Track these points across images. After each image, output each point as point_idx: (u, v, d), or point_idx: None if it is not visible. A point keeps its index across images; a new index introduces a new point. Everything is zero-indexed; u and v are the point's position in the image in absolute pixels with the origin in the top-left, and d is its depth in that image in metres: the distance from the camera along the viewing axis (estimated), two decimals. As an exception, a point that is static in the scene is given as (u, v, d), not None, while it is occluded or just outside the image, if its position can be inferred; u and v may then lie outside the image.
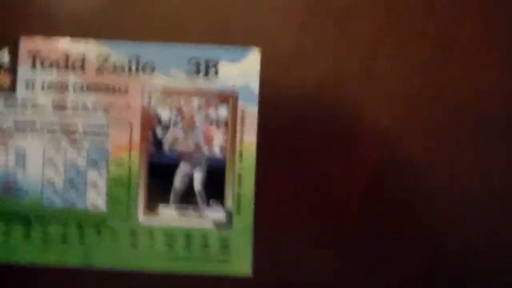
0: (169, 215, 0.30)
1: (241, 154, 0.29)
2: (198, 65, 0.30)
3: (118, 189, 0.30)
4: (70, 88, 0.30)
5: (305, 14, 0.30)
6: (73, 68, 0.30)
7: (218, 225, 0.30)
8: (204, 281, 0.30)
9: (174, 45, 0.30)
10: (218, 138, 0.30)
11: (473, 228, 0.30)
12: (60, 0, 0.31)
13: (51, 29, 0.31)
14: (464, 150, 0.30)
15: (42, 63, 0.30)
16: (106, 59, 0.30)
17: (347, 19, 0.30)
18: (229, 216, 0.30)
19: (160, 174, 0.30)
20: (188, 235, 0.30)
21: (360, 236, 0.30)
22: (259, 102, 0.29)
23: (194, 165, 0.30)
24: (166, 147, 0.30)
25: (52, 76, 0.30)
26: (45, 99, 0.30)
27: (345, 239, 0.30)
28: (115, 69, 0.30)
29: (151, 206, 0.30)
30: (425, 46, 0.30)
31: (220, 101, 0.30)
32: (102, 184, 0.30)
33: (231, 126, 0.30)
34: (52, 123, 0.30)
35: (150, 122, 0.30)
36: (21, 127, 0.30)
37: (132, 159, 0.30)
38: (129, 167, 0.30)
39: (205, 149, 0.30)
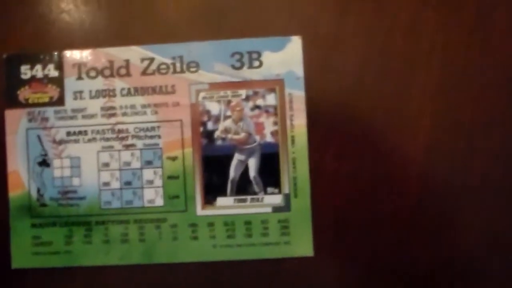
0: (227, 205, 0.31)
1: (293, 138, 0.31)
2: (241, 58, 0.31)
3: (174, 185, 0.31)
4: (118, 94, 0.31)
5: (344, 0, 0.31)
6: (119, 74, 0.31)
7: (276, 209, 0.31)
8: (266, 264, 0.31)
9: (215, 42, 0.31)
10: (269, 125, 0.31)
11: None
12: (98, 12, 0.32)
13: (93, 41, 0.32)
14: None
15: (87, 73, 0.31)
16: (150, 63, 0.31)
17: (386, 2, 0.31)
18: (287, 199, 0.31)
19: (214, 167, 0.31)
20: (247, 222, 0.31)
21: (420, 213, 0.31)
22: (305, 86, 0.30)
23: (248, 154, 0.31)
24: (218, 139, 0.31)
25: (98, 84, 0.31)
26: (94, 107, 0.31)
27: (403, 216, 0.31)
28: (160, 70, 0.31)
29: (208, 198, 0.31)
30: (467, 23, 0.31)
31: (267, 90, 0.31)
32: (158, 182, 0.31)
33: (281, 112, 0.31)
34: (103, 129, 0.31)
35: (200, 117, 0.31)
36: (74, 137, 0.31)
37: (185, 155, 0.31)
38: (184, 163, 0.31)
39: (257, 137, 0.31)
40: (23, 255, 0.31)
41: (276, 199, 0.31)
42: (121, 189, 0.31)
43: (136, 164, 0.31)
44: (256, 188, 0.31)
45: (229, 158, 0.31)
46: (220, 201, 0.31)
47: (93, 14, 0.32)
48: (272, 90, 0.31)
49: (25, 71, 0.32)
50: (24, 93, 0.32)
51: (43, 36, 0.32)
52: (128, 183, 0.31)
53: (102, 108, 0.31)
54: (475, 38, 0.31)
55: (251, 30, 0.31)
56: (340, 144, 0.31)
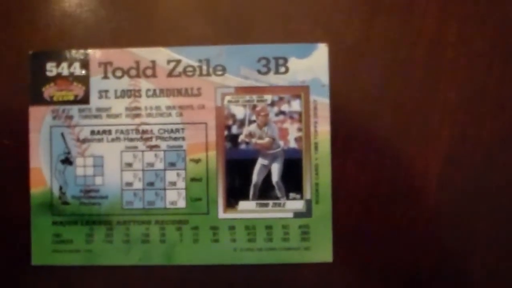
0: (249, 209, 0.31)
1: (316, 145, 0.31)
2: (268, 63, 0.31)
3: (197, 188, 0.31)
4: (143, 94, 0.31)
5: (369, 8, 0.31)
6: (145, 75, 0.31)
7: (297, 214, 0.31)
8: (286, 269, 0.31)
9: (243, 46, 0.31)
10: (293, 131, 0.31)
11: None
12: (125, 12, 0.32)
13: (119, 40, 0.32)
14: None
15: (113, 73, 0.32)
16: (177, 64, 0.31)
17: (412, 9, 0.31)
18: (308, 205, 0.31)
19: (237, 171, 0.31)
20: (268, 226, 0.31)
21: (437, 223, 0.31)
22: (330, 94, 0.31)
23: (271, 159, 0.31)
24: (242, 144, 0.31)
25: (124, 84, 0.32)
26: (119, 107, 0.31)
27: (421, 226, 0.31)
28: (186, 73, 0.31)
29: (230, 202, 0.31)
30: (490, 36, 0.31)
31: (292, 96, 0.31)
32: (181, 183, 0.31)
33: (305, 118, 0.31)
34: (127, 129, 0.31)
35: (224, 121, 0.31)
36: (98, 136, 0.31)
37: (209, 158, 0.31)
38: (207, 166, 0.31)
39: (281, 142, 0.31)
40: (43, 252, 0.31)
41: (297, 204, 0.31)
42: (143, 189, 0.31)
43: (159, 165, 0.31)
44: (278, 193, 0.31)
45: (252, 162, 0.31)
46: (242, 205, 0.31)
47: (120, 14, 0.32)
48: (297, 96, 0.31)
49: (51, 69, 0.32)
50: (49, 91, 0.32)
51: (70, 34, 0.32)
52: (151, 184, 0.31)
53: (127, 108, 0.31)
54: (498, 51, 0.31)
55: (278, 36, 0.31)
56: (362, 152, 0.31)
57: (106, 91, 0.32)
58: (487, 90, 0.31)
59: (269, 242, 0.31)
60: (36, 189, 0.31)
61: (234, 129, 0.31)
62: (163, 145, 0.31)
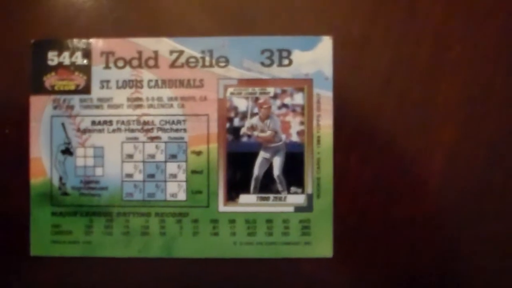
0: (249, 202, 0.31)
1: (318, 139, 0.31)
2: (271, 55, 0.31)
3: (198, 180, 0.31)
4: (145, 85, 0.31)
5: (374, 2, 0.31)
6: (147, 65, 0.31)
7: (298, 209, 0.31)
8: (285, 263, 0.31)
9: (246, 38, 0.31)
10: (295, 125, 0.31)
11: None
12: (128, 2, 0.32)
13: (122, 30, 0.32)
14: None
15: (115, 63, 0.31)
16: (179, 55, 0.31)
17: (417, 4, 0.31)
18: (309, 200, 0.31)
19: (239, 163, 0.31)
20: (269, 220, 0.31)
21: (439, 220, 0.31)
22: (333, 87, 0.30)
23: (273, 152, 0.31)
24: (244, 136, 0.31)
25: (126, 74, 0.31)
26: (120, 97, 0.31)
27: (422, 222, 0.31)
28: (189, 64, 0.31)
29: (231, 195, 0.31)
30: (494, 34, 0.31)
31: (295, 89, 0.31)
32: (182, 176, 0.31)
33: (308, 111, 0.31)
34: (128, 120, 0.31)
35: (227, 113, 0.31)
36: (98, 126, 0.31)
37: (210, 150, 0.31)
38: (208, 158, 0.31)
39: (283, 136, 0.31)
40: (42, 243, 0.31)
41: (299, 199, 0.31)
42: (144, 181, 0.31)
43: (160, 157, 0.31)
44: (279, 187, 0.31)
45: (254, 155, 0.31)
46: (243, 198, 0.31)
47: (123, 4, 0.32)
48: (301, 89, 0.31)
49: (52, 58, 0.31)
50: (50, 80, 0.31)
51: (72, 23, 0.32)
52: (151, 175, 0.31)
53: (129, 99, 0.31)
54: (503, 49, 0.31)
55: (282, 28, 0.31)
56: (364, 147, 0.31)
57: (108, 81, 0.31)
58: (491, 86, 0.31)
59: (269, 236, 0.31)
60: (36, 180, 0.31)
61: (236, 122, 0.31)
62: (164, 136, 0.31)
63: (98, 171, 0.31)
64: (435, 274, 0.31)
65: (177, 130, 0.31)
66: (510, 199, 0.31)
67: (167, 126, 0.31)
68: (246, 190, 0.31)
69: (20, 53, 0.32)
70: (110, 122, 0.31)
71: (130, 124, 0.31)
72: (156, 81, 0.31)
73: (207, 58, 0.31)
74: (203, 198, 0.31)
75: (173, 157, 0.31)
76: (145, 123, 0.31)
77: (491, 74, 0.31)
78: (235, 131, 0.31)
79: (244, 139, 0.31)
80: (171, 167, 0.31)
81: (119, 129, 0.31)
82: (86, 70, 0.31)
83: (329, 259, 0.31)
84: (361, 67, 0.31)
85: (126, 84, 0.31)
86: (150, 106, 0.31)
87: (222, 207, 0.31)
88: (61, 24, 0.32)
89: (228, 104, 0.31)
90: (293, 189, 0.31)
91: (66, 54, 0.31)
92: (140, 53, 0.31)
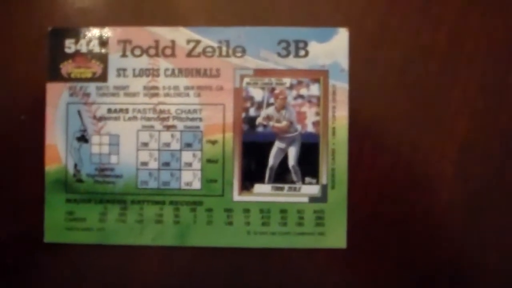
0: (264, 192, 0.31)
1: (334, 130, 0.31)
2: (288, 46, 0.31)
3: (213, 169, 0.31)
4: (162, 74, 0.31)
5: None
6: (164, 54, 0.31)
7: (313, 199, 0.31)
8: (299, 254, 0.31)
9: (263, 28, 0.31)
10: (311, 115, 0.31)
11: None
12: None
13: (139, 19, 0.32)
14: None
15: (132, 51, 0.31)
16: (196, 45, 0.31)
17: (432, 1, 0.31)
18: (324, 190, 0.31)
19: (254, 153, 0.31)
20: (283, 210, 0.31)
21: (452, 212, 0.31)
22: (349, 79, 0.31)
23: (288, 142, 0.31)
24: (259, 126, 0.31)
25: (143, 63, 0.31)
26: (137, 86, 0.31)
27: (435, 214, 0.31)
28: (205, 53, 0.31)
29: (246, 184, 0.31)
30: (511, 26, 0.31)
31: (311, 80, 0.31)
32: (197, 164, 0.31)
33: (323, 102, 0.31)
34: (144, 109, 0.31)
35: (243, 103, 0.31)
36: (114, 114, 0.31)
37: (226, 139, 0.31)
38: (223, 148, 0.31)
39: (298, 126, 0.31)
40: (56, 230, 0.31)
41: (313, 189, 0.31)
42: (158, 169, 0.31)
43: (175, 145, 0.31)
44: (294, 177, 0.31)
45: (269, 145, 0.31)
46: (258, 188, 0.31)
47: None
48: (316, 80, 0.31)
49: (69, 45, 0.32)
50: (67, 67, 0.32)
51: (89, 11, 0.32)
52: (167, 164, 0.31)
53: (145, 87, 0.31)
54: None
55: (298, 19, 0.31)
56: (379, 139, 0.31)
57: (124, 69, 0.31)
58: (507, 79, 0.31)
59: (283, 226, 0.31)
60: (51, 166, 0.31)
61: (252, 112, 0.31)
62: (180, 125, 0.31)
63: (113, 159, 0.31)
64: (449, 264, 0.31)
65: (192, 119, 0.31)
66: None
67: (183, 115, 0.31)
68: (261, 180, 0.31)
69: (38, 41, 0.32)
70: (126, 110, 0.31)
71: (146, 112, 0.31)
72: (173, 70, 0.31)
73: (224, 48, 0.31)
74: (217, 187, 0.31)
75: (189, 146, 0.31)
76: (161, 111, 0.31)
77: (505, 66, 0.31)
78: (250, 121, 0.31)
79: (260, 129, 0.31)
80: (186, 156, 0.31)
81: (135, 117, 0.31)
82: (103, 58, 0.31)
83: (343, 250, 0.31)
84: (376, 59, 0.31)
85: (143, 72, 0.31)
86: (166, 95, 0.31)
87: (237, 197, 0.31)
88: (79, 12, 0.32)
89: (244, 94, 0.31)
90: (307, 179, 0.31)
91: (83, 42, 0.32)
92: (157, 42, 0.31)
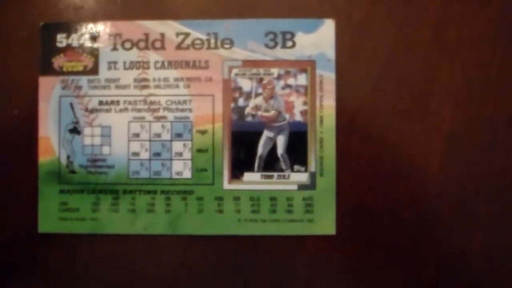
0: (253, 180, 0.31)
1: (321, 119, 0.31)
2: (275, 37, 0.32)
3: (203, 159, 0.32)
4: (152, 66, 0.32)
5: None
6: (153, 47, 0.32)
7: (302, 187, 0.31)
8: (289, 240, 0.32)
9: (250, 20, 0.32)
10: (299, 105, 0.32)
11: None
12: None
13: (129, 13, 0.32)
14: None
15: (122, 45, 0.32)
16: (185, 37, 0.32)
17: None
18: (313, 178, 0.31)
19: (243, 142, 0.32)
20: (273, 198, 0.31)
21: (438, 201, 0.32)
22: (335, 69, 0.31)
23: (276, 131, 0.31)
24: (248, 116, 0.32)
25: (133, 56, 0.32)
26: (127, 78, 0.32)
27: (422, 203, 0.32)
28: (194, 45, 0.32)
29: (235, 173, 0.31)
30: (493, 18, 0.32)
31: (298, 70, 0.32)
32: (187, 154, 0.32)
33: (311, 92, 0.31)
34: (135, 100, 0.32)
35: (231, 93, 0.32)
36: (106, 106, 0.32)
37: (215, 129, 0.32)
38: (213, 137, 0.32)
39: (286, 115, 0.31)
40: (50, 220, 0.32)
41: (302, 177, 0.31)
42: (150, 159, 0.32)
43: (166, 136, 0.32)
44: (283, 165, 0.31)
45: (258, 134, 0.32)
46: (247, 176, 0.31)
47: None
48: (304, 70, 0.32)
49: (61, 40, 0.32)
50: (59, 61, 0.32)
51: (80, 5, 0.33)
52: (157, 154, 0.32)
53: (135, 80, 0.32)
54: (501, 32, 0.32)
55: (285, 11, 0.32)
56: (366, 128, 0.32)
57: (115, 62, 0.32)
58: (490, 69, 0.32)
59: (273, 214, 0.31)
60: (44, 158, 0.32)
61: (241, 102, 0.32)
62: (170, 116, 0.32)
63: (105, 150, 0.32)
64: (436, 252, 0.32)
65: (182, 110, 0.32)
66: (509, 181, 0.31)
67: (173, 106, 0.32)
68: (251, 169, 0.31)
69: (30, 36, 0.32)
70: (117, 102, 0.32)
71: (137, 104, 0.32)
72: (163, 62, 0.32)
73: (212, 40, 0.32)
74: (208, 176, 0.31)
75: (179, 136, 0.32)
76: (152, 103, 0.32)
77: (489, 56, 0.32)
78: (239, 111, 0.32)
79: (249, 118, 0.32)
80: (177, 146, 0.32)
81: (126, 109, 0.32)
82: (94, 51, 0.32)
83: (332, 236, 0.32)
84: (362, 49, 0.31)
85: (133, 65, 0.32)
86: (157, 86, 0.32)
87: (227, 185, 0.31)
88: (70, 7, 0.33)
89: (233, 85, 0.32)
90: (296, 167, 0.31)
91: (74, 36, 0.32)
92: (147, 35, 0.32)
